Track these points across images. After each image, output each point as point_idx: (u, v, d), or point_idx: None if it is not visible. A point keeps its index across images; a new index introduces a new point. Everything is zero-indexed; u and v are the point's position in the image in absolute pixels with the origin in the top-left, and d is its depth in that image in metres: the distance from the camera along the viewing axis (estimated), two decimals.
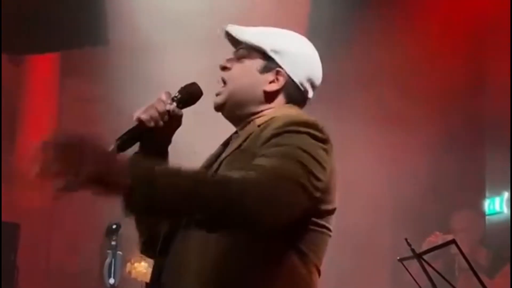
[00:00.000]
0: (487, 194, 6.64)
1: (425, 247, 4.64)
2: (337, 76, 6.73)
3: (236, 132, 2.26)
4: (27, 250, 7.35)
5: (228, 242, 1.99)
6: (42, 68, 8.19)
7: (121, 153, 2.14)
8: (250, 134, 2.11)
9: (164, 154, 2.28)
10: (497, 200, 6.56)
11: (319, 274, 2.10)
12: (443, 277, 3.81)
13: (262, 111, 2.21)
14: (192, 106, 2.26)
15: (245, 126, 2.21)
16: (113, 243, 4.60)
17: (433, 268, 3.86)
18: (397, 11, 6.71)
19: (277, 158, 1.92)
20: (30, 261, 7.42)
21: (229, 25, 2.27)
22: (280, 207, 1.88)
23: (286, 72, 2.20)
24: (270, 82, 2.20)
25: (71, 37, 7.11)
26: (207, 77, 2.40)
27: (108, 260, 4.57)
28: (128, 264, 6.51)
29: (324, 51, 6.86)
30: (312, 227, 2.06)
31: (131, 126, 2.19)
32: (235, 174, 1.87)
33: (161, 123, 2.18)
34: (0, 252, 6.71)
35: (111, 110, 7.26)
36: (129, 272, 6.58)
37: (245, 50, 2.23)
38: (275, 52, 2.21)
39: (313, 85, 2.26)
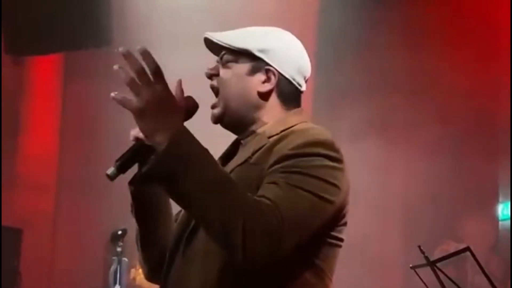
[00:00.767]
0: (500, 199, 6.63)
1: (437, 255, 4.62)
2: (346, 80, 6.74)
3: (239, 140, 2.25)
4: (30, 256, 7.36)
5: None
6: (45, 70, 8.21)
7: (122, 174, 2.13)
8: (261, 147, 2.10)
9: None
10: (510, 205, 6.53)
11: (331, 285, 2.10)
12: (458, 286, 3.79)
13: (261, 116, 2.20)
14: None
15: (250, 134, 2.20)
16: (119, 249, 4.57)
17: (447, 276, 3.85)
18: (408, 13, 6.70)
19: (289, 190, 1.93)
20: (33, 267, 7.42)
21: (207, 32, 2.24)
22: (276, 252, 1.89)
23: (276, 69, 2.18)
24: (263, 82, 2.18)
25: (74, 37, 7.12)
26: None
27: (113, 267, 4.55)
28: (133, 270, 6.51)
29: (333, 53, 6.84)
30: (329, 240, 2.06)
31: (129, 146, 2.18)
32: (255, 197, 1.90)
33: None
34: (0, 257, 6.71)
35: (115, 112, 7.27)
36: (134, 279, 6.59)
37: (230, 54, 2.20)
38: (261, 51, 2.18)
39: (304, 77, 2.24)
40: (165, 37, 6.85)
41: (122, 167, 2.10)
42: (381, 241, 6.22)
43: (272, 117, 2.18)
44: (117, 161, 2.11)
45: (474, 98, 6.56)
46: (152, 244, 2.25)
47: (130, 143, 2.19)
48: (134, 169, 2.19)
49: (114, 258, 4.59)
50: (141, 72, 1.92)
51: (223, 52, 2.22)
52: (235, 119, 2.19)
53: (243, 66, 2.19)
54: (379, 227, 6.05)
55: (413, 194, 6.41)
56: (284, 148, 2.03)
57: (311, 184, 1.97)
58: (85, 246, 7.52)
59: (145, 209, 2.23)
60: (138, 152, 2.14)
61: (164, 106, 1.91)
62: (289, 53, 2.22)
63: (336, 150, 2.05)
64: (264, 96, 2.18)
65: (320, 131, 2.09)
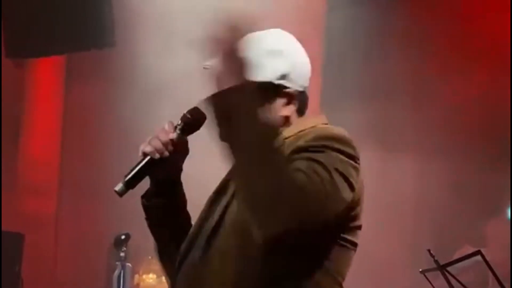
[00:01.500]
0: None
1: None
2: (353, 81, 6.74)
3: None
4: (32, 261, 7.36)
5: (249, 258, 2.00)
6: (46, 72, 8.21)
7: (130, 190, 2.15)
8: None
9: (176, 184, 2.28)
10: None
11: None
12: None
13: (280, 126, 2.19)
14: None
15: None
16: (122, 254, 4.59)
17: (457, 280, 3.85)
18: (414, 16, 6.71)
19: (309, 171, 1.94)
20: (35, 273, 7.42)
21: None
22: (322, 206, 1.94)
23: (296, 91, 2.18)
24: (284, 105, 2.17)
25: (76, 39, 7.12)
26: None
27: (116, 272, 4.56)
28: (136, 276, 6.52)
29: (340, 54, 6.84)
30: (341, 242, 2.07)
31: (137, 161, 2.19)
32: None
33: (166, 153, 2.18)
34: (0, 262, 6.71)
35: (118, 114, 7.27)
36: (137, 284, 6.60)
37: None
38: (281, 77, 2.15)
39: (309, 78, 2.25)
40: (169, 39, 6.86)
41: (130, 183, 2.14)
42: (391, 245, 6.21)
43: (288, 125, 2.19)
44: (125, 176, 2.14)
45: (483, 101, 6.56)
46: (171, 256, 2.25)
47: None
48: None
49: (117, 263, 4.60)
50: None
51: None
52: None
53: (263, 96, 2.11)
54: (388, 231, 6.04)
55: (423, 198, 6.41)
56: (302, 140, 2.04)
57: (329, 171, 1.97)
58: (87, 251, 7.52)
59: (159, 223, 2.25)
60: (147, 166, 2.16)
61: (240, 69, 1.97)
62: (302, 65, 2.21)
63: (353, 148, 2.06)
64: (287, 116, 2.18)
65: (338, 129, 2.10)
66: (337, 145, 2.02)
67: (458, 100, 6.52)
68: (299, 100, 2.20)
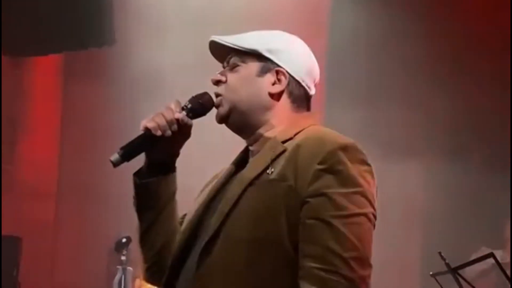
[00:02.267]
0: None
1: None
2: (359, 82, 6.73)
3: (248, 148, 2.24)
4: (30, 266, 7.35)
5: (257, 274, 2.01)
6: (44, 71, 8.20)
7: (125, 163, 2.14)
8: (278, 155, 2.09)
9: (171, 167, 2.26)
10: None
11: None
12: None
13: (270, 118, 2.20)
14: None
15: (258, 138, 2.20)
16: (123, 258, 4.59)
17: (469, 284, 3.82)
18: (422, 13, 6.70)
19: (341, 226, 1.98)
20: (33, 277, 7.41)
21: (214, 36, 2.25)
22: None
23: (286, 71, 2.20)
24: (273, 84, 2.20)
25: (75, 38, 7.12)
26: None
27: (117, 277, 4.57)
28: (138, 280, 6.50)
29: (345, 54, 6.84)
30: None
31: (137, 135, 2.17)
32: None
33: (169, 132, 2.16)
34: (0, 267, 6.71)
35: (117, 114, 7.26)
36: None
37: (237, 57, 2.22)
38: (270, 51, 2.21)
39: (314, 80, 2.26)
40: (169, 38, 6.86)
41: (127, 155, 2.12)
42: (401, 246, 6.21)
43: (281, 120, 2.19)
44: (122, 148, 2.12)
45: (494, 105, 6.55)
46: (153, 241, 2.24)
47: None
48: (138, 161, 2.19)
49: (118, 267, 4.60)
50: None
51: (229, 56, 2.22)
52: (241, 120, 2.20)
53: (252, 67, 2.20)
54: (397, 233, 6.02)
55: (433, 201, 6.39)
56: (309, 159, 2.04)
57: (357, 202, 2.01)
58: (87, 255, 7.51)
59: (148, 204, 2.22)
60: (146, 141, 2.14)
61: None
62: (298, 54, 2.24)
63: (361, 152, 2.08)
64: (275, 97, 2.19)
65: (337, 134, 2.11)
66: (352, 156, 2.04)
67: (468, 101, 6.51)
68: (294, 89, 2.21)
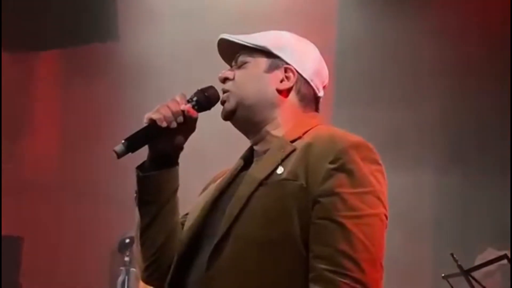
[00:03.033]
0: None
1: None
2: (369, 88, 6.73)
3: (252, 147, 2.26)
4: (31, 266, 7.37)
5: (266, 276, 2.02)
6: (45, 66, 8.21)
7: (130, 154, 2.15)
8: (288, 154, 2.10)
9: (174, 161, 2.26)
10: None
11: None
12: None
13: (277, 115, 2.21)
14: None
15: (264, 137, 2.21)
16: (127, 258, 4.60)
17: (483, 286, 3.83)
18: (433, 14, 6.69)
19: (353, 227, 1.99)
20: (34, 277, 7.43)
21: (223, 34, 2.28)
22: None
23: (294, 68, 2.23)
24: (281, 81, 2.22)
25: (77, 32, 7.13)
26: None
27: (121, 278, 4.58)
28: (141, 282, 6.51)
29: (353, 54, 6.84)
30: None
31: (141, 127, 2.19)
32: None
33: (174, 123, 2.17)
34: (0, 268, 6.74)
35: (120, 111, 7.26)
36: None
37: (246, 55, 2.25)
38: (280, 49, 2.24)
39: (322, 82, 2.29)
40: (173, 34, 6.86)
41: (131, 146, 2.13)
42: (411, 247, 6.20)
43: (288, 118, 2.21)
44: (126, 139, 2.13)
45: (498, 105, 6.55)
46: (153, 238, 2.25)
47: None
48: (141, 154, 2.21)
49: (121, 268, 4.61)
50: None
51: (238, 54, 2.24)
52: (248, 116, 2.22)
53: (261, 63, 2.23)
54: (408, 234, 6.03)
55: (445, 202, 6.39)
56: (320, 158, 2.05)
57: (370, 202, 2.03)
58: (90, 255, 7.52)
59: (150, 198, 2.23)
60: (151, 133, 2.16)
61: None
62: (308, 54, 2.28)
63: (373, 151, 2.10)
64: (283, 94, 2.22)
65: (348, 133, 2.13)
66: (363, 155, 2.06)
67: (481, 106, 6.49)
68: (302, 88, 2.23)
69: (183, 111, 2.18)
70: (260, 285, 2.01)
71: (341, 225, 1.99)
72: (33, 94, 8.15)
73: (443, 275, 4.09)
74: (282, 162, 2.10)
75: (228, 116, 2.23)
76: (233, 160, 2.32)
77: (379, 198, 2.05)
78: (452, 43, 6.49)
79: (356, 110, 6.38)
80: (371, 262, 1.99)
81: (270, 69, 2.22)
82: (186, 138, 2.25)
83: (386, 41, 6.59)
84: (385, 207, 2.06)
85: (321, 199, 2.01)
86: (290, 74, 2.22)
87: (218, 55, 2.33)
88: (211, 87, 2.25)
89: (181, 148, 2.26)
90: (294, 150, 2.11)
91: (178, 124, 2.18)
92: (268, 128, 2.20)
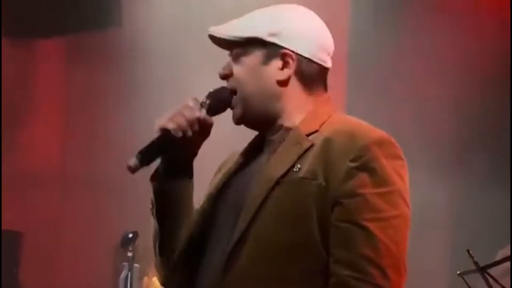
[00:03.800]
0: None
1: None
2: (382, 78, 6.72)
3: (262, 137, 2.23)
4: (31, 262, 7.39)
5: (286, 280, 2.00)
6: (47, 54, 8.22)
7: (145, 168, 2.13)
8: (305, 150, 2.08)
9: (189, 169, 2.24)
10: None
11: None
12: None
13: (285, 105, 2.17)
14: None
15: (278, 129, 2.18)
16: (130, 254, 4.61)
17: (499, 284, 3.82)
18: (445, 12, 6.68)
19: (378, 230, 1.98)
20: (34, 274, 7.45)
21: (210, 28, 2.22)
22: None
23: (293, 51, 2.16)
24: (281, 69, 2.16)
25: (79, 18, 7.13)
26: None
27: (123, 274, 4.58)
28: (146, 278, 6.51)
29: (367, 52, 6.82)
30: None
31: (154, 137, 2.16)
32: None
33: (190, 133, 2.13)
34: (0, 264, 6.76)
35: (125, 101, 7.27)
36: (146, 287, 6.59)
37: (238, 47, 2.19)
38: (273, 34, 2.16)
39: (327, 52, 2.21)
40: (177, 18, 6.85)
41: (146, 159, 2.11)
42: (426, 245, 6.20)
43: (297, 106, 2.17)
44: (140, 152, 2.10)
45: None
46: (172, 247, 2.22)
47: (144, 135, 2.19)
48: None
49: (124, 264, 4.61)
50: None
51: (231, 47, 2.21)
52: (257, 117, 2.19)
53: (255, 57, 2.18)
54: (423, 230, 6.02)
55: (460, 193, 6.38)
56: (341, 156, 2.03)
57: (393, 203, 2.01)
58: (91, 250, 7.54)
59: (168, 209, 2.21)
60: (165, 144, 2.13)
61: None
62: (305, 28, 2.20)
63: (395, 145, 2.07)
64: (284, 83, 2.17)
65: (369, 126, 2.10)
66: (386, 151, 2.04)
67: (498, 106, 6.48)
68: (305, 68, 2.17)
69: (198, 118, 2.15)
70: None
71: (364, 229, 1.96)
72: (34, 83, 8.15)
73: (458, 272, 4.07)
74: (299, 159, 2.07)
75: (239, 121, 2.19)
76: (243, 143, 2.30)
77: (402, 198, 2.02)
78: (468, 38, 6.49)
79: (371, 97, 6.37)
80: (395, 267, 1.97)
81: (267, 60, 2.16)
82: (200, 145, 2.22)
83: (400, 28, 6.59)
84: (408, 207, 2.04)
85: (342, 200, 1.98)
86: (289, 60, 2.15)
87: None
88: (224, 88, 2.20)
89: (195, 155, 2.23)
90: (311, 146, 2.08)
91: (193, 132, 2.15)
92: (280, 121, 2.17)
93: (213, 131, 2.20)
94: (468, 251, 3.90)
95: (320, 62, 2.19)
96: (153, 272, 6.43)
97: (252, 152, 2.24)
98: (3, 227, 7.16)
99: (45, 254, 7.74)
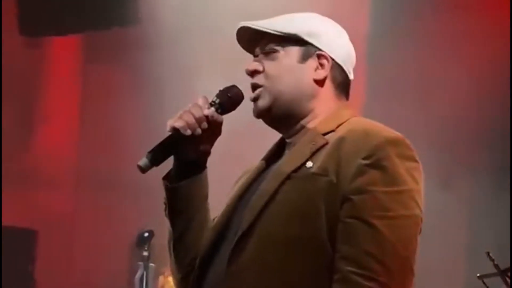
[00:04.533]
0: None
1: None
2: (401, 78, 6.72)
3: (283, 140, 2.23)
4: (46, 260, 7.42)
5: (289, 274, 2.00)
6: (63, 52, 8.25)
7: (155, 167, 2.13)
8: (319, 148, 2.08)
9: (202, 169, 2.23)
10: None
11: None
12: None
13: (315, 107, 2.17)
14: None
15: (298, 131, 2.18)
16: (145, 253, 4.59)
17: None
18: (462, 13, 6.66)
19: (386, 229, 1.97)
20: (49, 272, 7.48)
21: (243, 22, 2.21)
22: None
23: (328, 55, 2.17)
24: (316, 70, 2.17)
25: (96, 16, 7.14)
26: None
27: (139, 273, 4.56)
28: (161, 278, 6.53)
29: (385, 53, 6.80)
30: None
31: (164, 137, 2.16)
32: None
33: (199, 130, 2.13)
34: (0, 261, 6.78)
35: (141, 99, 7.28)
36: (162, 287, 6.61)
37: (274, 43, 2.18)
38: (310, 35, 2.18)
39: (352, 64, 2.24)
40: (196, 18, 6.85)
41: (156, 159, 2.11)
42: (445, 248, 6.19)
43: (325, 109, 2.17)
44: (150, 151, 2.11)
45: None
46: (187, 248, 2.22)
47: (159, 134, 2.18)
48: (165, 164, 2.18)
49: (139, 263, 4.60)
50: None
51: (263, 42, 2.19)
52: (285, 112, 2.17)
53: (293, 53, 2.18)
54: (442, 232, 6.01)
55: (477, 198, 6.38)
56: (353, 153, 2.02)
57: (404, 203, 2.00)
58: (106, 250, 7.56)
59: (181, 208, 2.21)
60: (175, 142, 2.13)
61: None
62: (337, 37, 2.23)
63: (410, 147, 2.05)
64: (319, 83, 2.17)
65: (384, 127, 2.09)
66: (399, 152, 2.02)
67: None
68: (336, 74, 2.19)
69: (206, 116, 2.16)
70: (283, 283, 1.99)
71: (371, 226, 1.95)
72: (50, 81, 8.18)
73: (478, 275, 4.06)
74: (312, 155, 2.06)
75: (263, 113, 2.19)
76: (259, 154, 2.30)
77: (414, 199, 2.00)
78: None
79: (389, 102, 6.36)
80: (401, 266, 1.95)
81: (304, 58, 2.17)
82: (212, 143, 2.21)
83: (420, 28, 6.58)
84: (420, 208, 2.02)
85: (351, 197, 1.98)
86: (324, 61, 2.16)
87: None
88: (234, 87, 2.20)
89: (208, 153, 2.22)
90: (325, 144, 2.08)
91: (203, 130, 2.14)
92: (304, 121, 2.17)
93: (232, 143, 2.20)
94: (488, 253, 3.89)
95: (347, 72, 2.21)
96: (168, 272, 6.44)
97: (273, 157, 2.24)
98: (19, 226, 7.19)
99: (60, 253, 7.77)
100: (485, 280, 4.10)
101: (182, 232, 2.22)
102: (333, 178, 2.00)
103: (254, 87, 2.19)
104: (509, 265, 4.18)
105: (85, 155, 8.02)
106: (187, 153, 2.17)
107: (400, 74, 6.66)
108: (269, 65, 2.18)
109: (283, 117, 2.18)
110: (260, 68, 2.18)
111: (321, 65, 2.17)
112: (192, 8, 6.88)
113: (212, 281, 2.11)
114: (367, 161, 2.00)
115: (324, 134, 2.10)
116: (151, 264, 4.63)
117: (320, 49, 2.18)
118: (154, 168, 2.15)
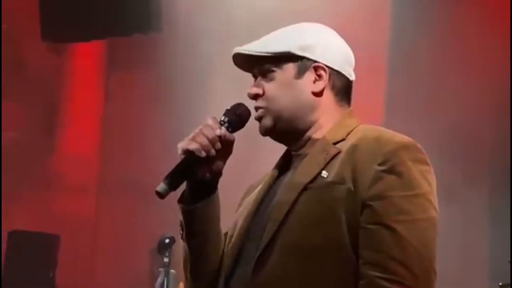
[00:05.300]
0: None
1: None
2: (422, 85, 6.70)
3: (290, 152, 2.25)
4: (67, 265, 7.44)
5: (314, 284, 2.03)
6: (86, 58, 8.28)
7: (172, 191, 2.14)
8: (333, 157, 2.11)
9: (215, 189, 2.25)
10: None
11: None
12: None
13: (318, 117, 2.21)
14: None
15: (305, 142, 2.21)
16: (166, 259, 4.61)
17: None
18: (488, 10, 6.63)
19: (407, 232, 2.00)
20: (71, 278, 7.50)
21: (237, 47, 2.26)
22: None
23: (324, 64, 2.21)
24: (314, 82, 2.20)
25: (119, 23, 7.17)
26: None
27: (159, 280, 4.59)
28: (181, 284, 6.54)
29: (407, 57, 6.78)
30: None
31: (179, 160, 2.16)
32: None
33: (213, 151, 2.15)
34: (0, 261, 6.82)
35: (163, 105, 7.29)
36: None
37: (269, 63, 2.22)
38: (303, 48, 2.21)
39: (351, 65, 2.27)
40: (218, 24, 6.86)
41: (173, 183, 2.13)
42: (465, 256, 6.17)
43: (329, 118, 2.22)
44: (167, 177, 2.13)
45: None
46: (202, 271, 2.25)
47: (182, 139, 2.20)
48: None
49: (160, 269, 4.62)
50: None
51: (259, 64, 2.23)
52: (289, 127, 2.22)
53: (289, 70, 2.21)
54: (462, 240, 5.99)
55: (496, 201, 6.35)
56: (368, 160, 2.06)
57: (422, 206, 2.04)
58: (128, 255, 7.57)
59: (198, 230, 2.23)
60: (190, 166, 2.15)
61: None
62: (332, 43, 2.25)
63: (421, 151, 2.10)
64: (318, 94, 2.21)
65: (394, 133, 2.14)
66: (412, 156, 2.06)
67: None
68: (336, 81, 2.22)
69: (219, 136, 2.17)
70: None
71: (393, 230, 1.99)
72: (73, 87, 8.22)
73: (500, 284, 4.05)
74: (326, 165, 2.10)
75: (268, 132, 2.22)
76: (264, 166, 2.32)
77: (429, 201, 2.05)
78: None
79: (410, 114, 6.34)
80: (424, 268, 1.99)
81: (300, 73, 2.20)
82: (224, 162, 2.23)
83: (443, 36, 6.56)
84: (436, 210, 2.06)
85: (370, 203, 2.01)
86: (321, 72, 2.20)
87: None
88: (241, 105, 2.23)
89: (220, 173, 2.24)
90: (338, 153, 2.11)
91: (216, 150, 2.16)
92: (310, 132, 2.20)
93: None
94: (510, 262, 3.87)
95: (347, 75, 2.24)
96: None
97: (280, 169, 2.26)
98: (41, 230, 7.21)
99: (82, 258, 7.79)
100: None
101: (199, 255, 2.25)
102: (351, 186, 2.04)
103: (256, 108, 2.23)
104: None
105: (108, 161, 8.05)
106: (200, 174, 2.19)
107: (422, 72, 6.64)
108: (268, 87, 2.22)
109: (288, 132, 2.22)
110: (260, 92, 2.22)
111: (319, 76, 2.21)
112: (213, 19, 6.89)
113: None
114: (382, 167, 2.04)
115: (335, 143, 2.14)
116: (172, 271, 4.64)
117: (315, 61, 2.20)
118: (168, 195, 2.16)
